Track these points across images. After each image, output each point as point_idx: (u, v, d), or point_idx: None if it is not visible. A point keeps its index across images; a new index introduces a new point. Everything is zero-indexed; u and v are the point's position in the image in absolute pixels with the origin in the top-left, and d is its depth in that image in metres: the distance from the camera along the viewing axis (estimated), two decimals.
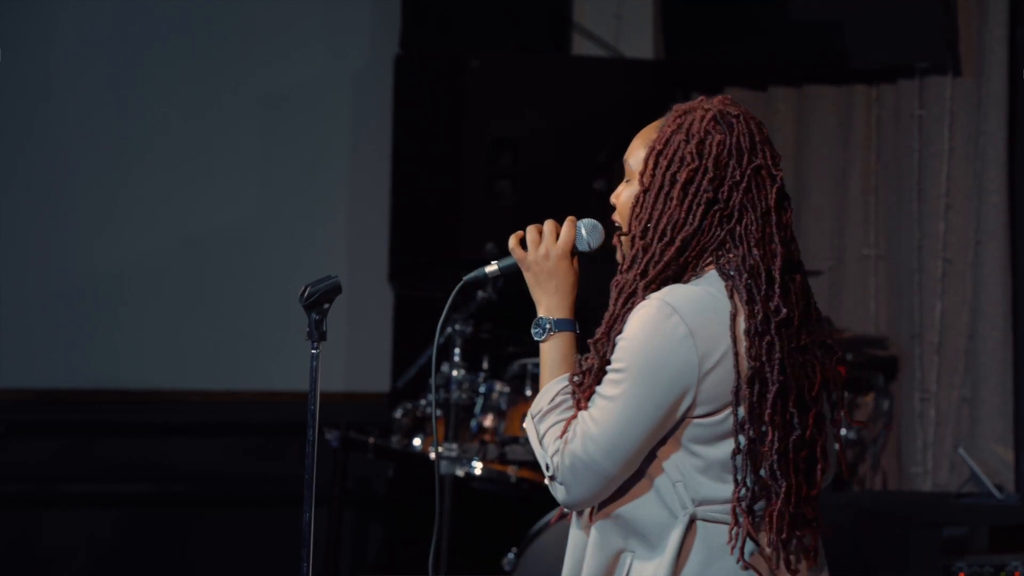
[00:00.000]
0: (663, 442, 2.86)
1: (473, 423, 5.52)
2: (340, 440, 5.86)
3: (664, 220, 2.88)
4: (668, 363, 2.82)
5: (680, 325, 2.82)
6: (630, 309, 2.87)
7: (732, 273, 2.86)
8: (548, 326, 2.98)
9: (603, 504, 2.91)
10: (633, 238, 2.92)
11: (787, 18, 6.22)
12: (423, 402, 5.60)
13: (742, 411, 2.84)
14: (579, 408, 2.88)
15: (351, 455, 5.92)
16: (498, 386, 5.53)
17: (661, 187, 2.90)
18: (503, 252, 3.06)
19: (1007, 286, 5.83)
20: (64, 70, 6.52)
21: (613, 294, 2.92)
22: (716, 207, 2.88)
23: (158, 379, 6.62)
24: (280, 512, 6.38)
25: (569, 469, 2.85)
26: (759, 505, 2.87)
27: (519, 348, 5.67)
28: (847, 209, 6.32)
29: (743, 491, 2.85)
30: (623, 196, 2.98)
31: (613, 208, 3.00)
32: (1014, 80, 5.79)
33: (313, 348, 3.13)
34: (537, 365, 4.85)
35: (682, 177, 2.89)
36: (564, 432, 2.87)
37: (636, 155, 2.97)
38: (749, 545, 2.86)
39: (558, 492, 2.88)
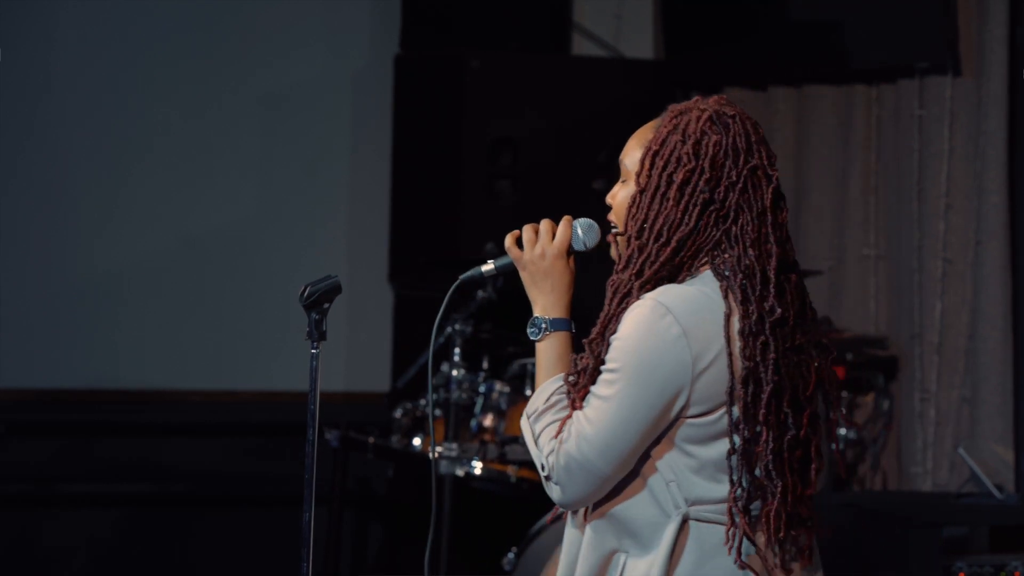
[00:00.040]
0: (657, 442, 2.86)
1: (473, 423, 5.52)
2: (340, 440, 5.86)
3: (660, 220, 2.89)
4: (662, 363, 2.82)
5: (674, 325, 2.82)
6: (625, 309, 2.88)
7: (727, 273, 2.86)
8: (544, 325, 2.98)
9: (598, 504, 2.91)
10: (629, 238, 2.92)
11: (787, 18, 6.22)
12: (423, 402, 5.60)
13: (736, 411, 2.84)
14: (574, 408, 2.89)
15: (351, 455, 5.92)
16: (498, 386, 5.53)
17: (658, 187, 2.90)
18: (503, 252, 3.06)
19: (1007, 286, 5.83)
20: (64, 70, 6.52)
21: (608, 294, 2.92)
22: (712, 207, 2.88)
23: (158, 379, 6.62)
24: (280, 512, 6.38)
25: (564, 469, 2.85)
26: (755, 505, 2.87)
27: (519, 348, 5.67)
28: (847, 209, 6.32)
29: (739, 491, 2.85)
30: (619, 196, 2.98)
31: (609, 208, 3.00)
32: (1014, 80, 5.79)
33: (313, 348, 3.13)
34: None
35: (679, 178, 2.89)
36: (559, 432, 2.87)
37: (632, 155, 2.97)
38: (746, 545, 2.86)
39: (553, 492, 2.89)
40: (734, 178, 2.88)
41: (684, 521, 2.86)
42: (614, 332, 2.86)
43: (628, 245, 2.92)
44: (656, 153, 2.92)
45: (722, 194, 2.88)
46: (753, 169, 2.90)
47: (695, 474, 2.86)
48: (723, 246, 2.88)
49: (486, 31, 6.57)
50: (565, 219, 3.02)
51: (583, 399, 2.87)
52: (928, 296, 5.96)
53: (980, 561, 5.05)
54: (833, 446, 2.99)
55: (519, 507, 5.54)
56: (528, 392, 5.49)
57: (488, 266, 3.08)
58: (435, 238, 6.48)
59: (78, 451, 6.55)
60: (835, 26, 6.08)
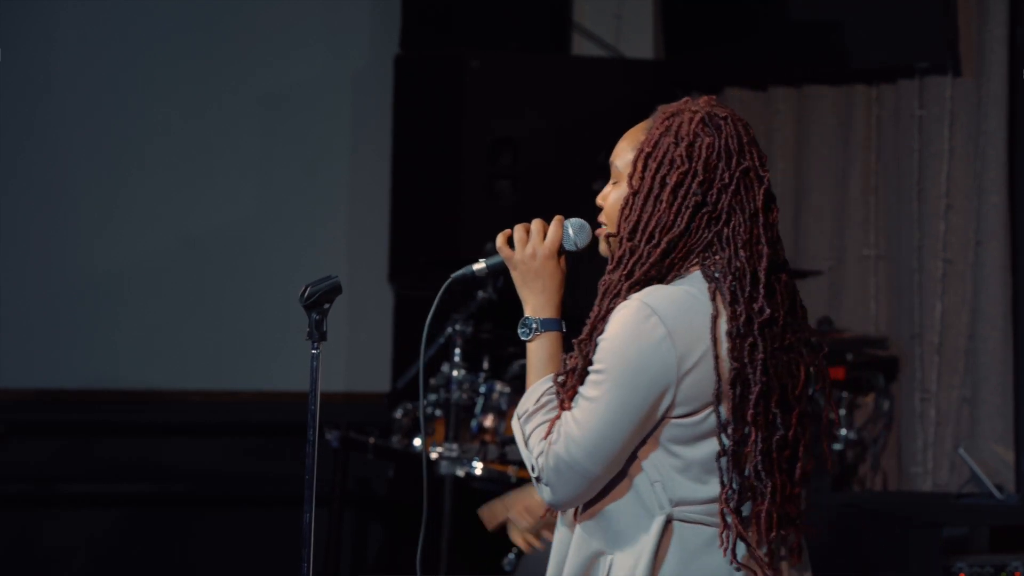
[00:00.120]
0: (643, 442, 2.87)
1: (473, 423, 5.52)
2: (340, 440, 5.86)
3: (653, 222, 2.89)
4: (647, 364, 2.83)
5: (659, 326, 2.83)
6: (613, 309, 2.88)
7: (717, 275, 2.87)
8: (534, 326, 2.98)
9: (586, 504, 2.92)
10: (621, 239, 2.92)
11: (787, 18, 6.22)
12: (423, 402, 5.60)
13: (724, 412, 2.85)
14: (563, 408, 2.89)
15: (351, 455, 5.92)
16: (498, 386, 5.53)
17: (650, 190, 2.90)
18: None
19: (1007, 286, 5.83)
20: (64, 70, 6.52)
21: (598, 294, 2.93)
22: (704, 210, 2.89)
23: (158, 379, 6.62)
24: (280, 512, 6.38)
25: (553, 470, 2.86)
26: (745, 506, 2.88)
27: (520, 348, 5.67)
28: (847, 209, 6.32)
29: (730, 492, 2.86)
30: (611, 198, 2.99)
31: (600, 209, 3.00)
32: (1014, 80, 5.79)
33: (313, 348, 3.13)
34: None
35: (672, 180, 2.89)
36: (549, 433, 2.88)
37: (623, 157, 2.97)
38: (738, 546, 2.87)
39: (543, 493, 2.89)
40: (727, 180, 2.89)
41: (668, 522, 2.87)
42: (602, 333, 2.87)
43: (620, 246, 2.92)
44: (649, 155, 2.92)
45: (714, 196, 2.89)
46: (745, 171, 2.90)
47: (680, 474, 2.87)
48: (714, 248, 2.89)
49: (486, 31, 6.57)
50: (556, 219, 3.02)
51: (572, 400, 2.88)
52: (928, 296, 5.96)
53: (980, 561, 5.05)
54: (831, 443, 3.00)
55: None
56: None
57: (480, 265, 3.08)
58: (435, 238, 6.48)
59: (78, 451, 6.55)
60: (835, 26, 6.08)
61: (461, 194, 6.33)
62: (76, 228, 6.53)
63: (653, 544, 2.86)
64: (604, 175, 3.04)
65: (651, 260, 2.88)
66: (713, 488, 2.87)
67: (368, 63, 6.80)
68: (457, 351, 5.53)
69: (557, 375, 2.93)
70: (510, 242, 3.02)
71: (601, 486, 2.88)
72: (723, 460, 2.85)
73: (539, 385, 2.94)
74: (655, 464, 2.87)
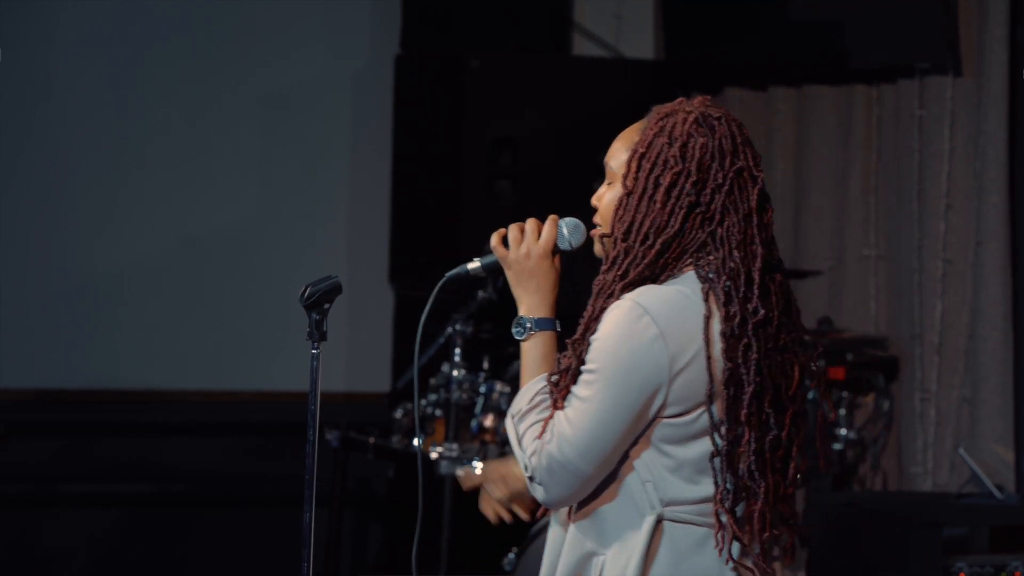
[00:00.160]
0: (635, 442, 2.87)
1: (473, 423, 5.52)
2: (340, 440, 5.86)
3: (647, 223, 2.90)
4: (639, 364, 2.83)
5: (651, 326, 2.83)
6: (607, 309, 2.89)
7: (711, 276, 2.87)
8: (529, 325, 2.99)
9: (580, 504, 2.93)
10: (615, 240, 2.93)
11: (787, 18, 6.22)
12: (424, 402, 5.60)
13: (717, 412, 2.85)
14: (556, 408, 2.90)
15: (351, 455, 5.92)
16: (499, 386, 5.53)
17: (644, 190, 2.91)
18: None
19: (1007, 286, 5.83)
20: (64, 70, 6.52)
21: (592, 294, 2.93)
22: (698, 210, 2.89)
23: (158, 379, 6.62)
24: (280, 512, 6.38)
25: (546, 470, 2.86)
26: (739, 506, 2.88)
27: (520, 348, 5.67)
28: (847, 209, 6.32)
29: (724, 492, 2.87)
30: (605, 198, 3.00)
31: (594, 210, 3.01)
32: (1014, 80, 5.79)
33: (313, 348, 3.13)
34: None
35: (665, 180, 2.90)
36: (542, 433, 2.89)
37: (617, 157, 2.98)
38: (733, 545, 2.87)
39: (537, 492, 2.90)
40: (720, 180, 2.89)
41: (658, 521, 2.87)
42: (595, 332, 2.88)
43: (614, 247, 2.93)
44: (643, 156, 2.93)
45: (708, 196, 2.89)
46: (739, 171, 2.91)
47: (672, 474, 2.87)
48: (708, 248, 2.89)
49: (486, 31, 6.57)
50: (551, 218, 3.03)
51: (565, 399, 2.89)
52: (928, 296, 5.96)
53: (980, 561, 5.05)
54: (826, 443, 3.01)
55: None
56: None
57: (474, 264, 3.09)
58: (435, 238, 6.47)
59: (78, 451, 6.55)
60: (835, 26, 6.08)
61: (461, 194, 6.33)
62: (76, 228, 6.53)
63: (644, 544, 2.86)
64: (604, 175, 3.05)
65: (645, 260, 2.89)
66: (704, 488, 2.88)
67: (368, 63, 6.80)
68: (457, 351, 5.53)
69: (551, 375, 2.94)
70: (505, 242, 3.03)
71: (594, 485, 2.89)
72: (717, 460, 2.86)
73: (533, 384, 2.95)
74: (647, 464, 2.88)
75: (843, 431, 5.90)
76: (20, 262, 6.48)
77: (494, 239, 3.04)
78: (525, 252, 3.01)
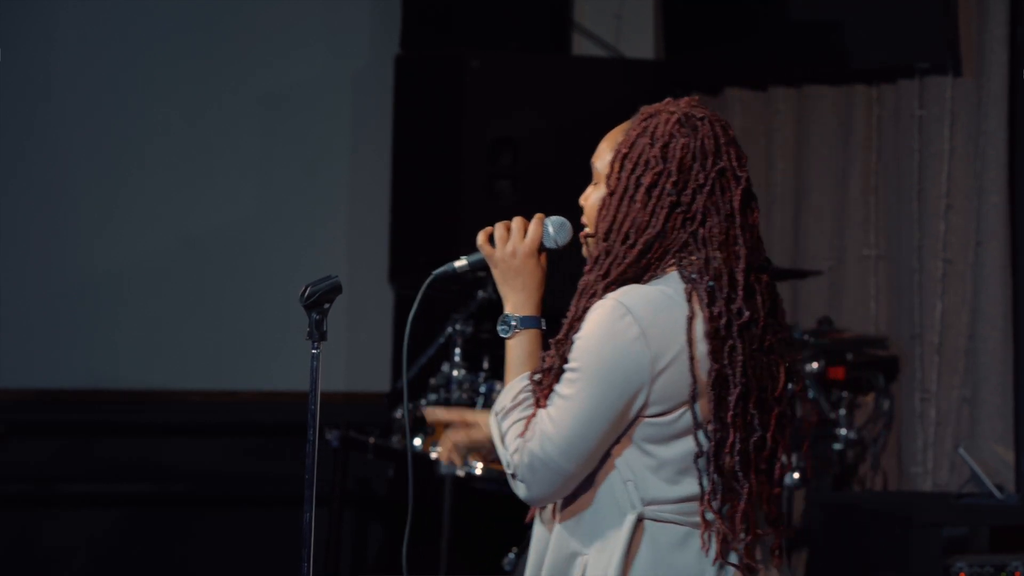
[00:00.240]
0: (617, 441, 2.89)
1: None
2: (340, 440, 5.86)
3: (628, 223, 2.91)
4: (621, 363, 2.84)
5: (633, 326, 2.84)
6: (590, 309, 2.90)
7: (694, 276, 2.88)
8: (514, 323, 3.01)
9: (564, 504, 2.94)
10: (598, 240, 2.94)
11: (787, 18, 6.22)
12: (424, 402, 5.60)
13: (699, 412, 2.86)
14: (539, 406, 2.91)
15: (351, 455, 5.92)
16: (498, 386, 5.52)
17: (626, 190, 2.93)
18: None
19: (1007, 286, 5.83)
20: (64, 70, 6.51)
21: (576, 294, 2.95)
22: (679, 210, 2.90)
23: (158, 379, 6.62)
24: (280, 512, 6.38)
25: (528, 467, 2.88)
26: (724, 507, 2.89)
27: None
28: (847, 209, 6.32)
29: (708, 492, 2.87)
30: (591, 199, 3.02)
31: (581, 210, 3.02)
32: (1014, 80, 5.78)
33: (313, 348, 3.13)
34: None
35: (646, 180, 2.91)
36: (525, 431, 2.90)
37: (603, 158, 3.01)
38: (716, 545, 2.89)
39: (519, 489, 2.92)
40: (701, 180, 2.90)
41: (639, 520, 2.88)
42: (578, 332, 2.89)
43: (596, 246, 2.94)
44: (625, 156, 2.95)
45: (689, 196, 2.90)
46: (721, 171, 2.91)
47: (653, 474, 2.89)
48: (690, 248, 2.91)
49: (486, 31, 6.56)
50: (537, 217, 3.06)
51: (547, 398, 2.90)
52: (928, 296, 5.96)
53: (980, 561, 5.05)
54: (810, 442, 3.01)
55: (519, 507, 5.54)
56: None
57: (461, 262, 3.12)
58: (435, 238, 6.47)
59: (78, 451, 6.55)
60: (835, 26, 6.07)
61: (461, 194, 6.33)
62: (76, 228, 6.53)
63: (624, 542, 2.88)
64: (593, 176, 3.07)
65: (627, 260, 2.90)
66: (685, 488, 2.89)
67: (368, 63, 6.80)
68: (457, 351, 5.53)
69: (534, 373, 2.95)
70: (492, 240, 3.04)
71: (575, 484, 2.90)
72: (701, 460, 2.87)
73: (516, 382, 2.97)
74: (628, 463, 2.89)
75: (843, 431, 5.90)
76: (20, 262, 6.48)
77: (481, 237, 3.07)
78: (511, 250, 3.03)
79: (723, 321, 2.86)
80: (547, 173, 6.29)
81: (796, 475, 5.58)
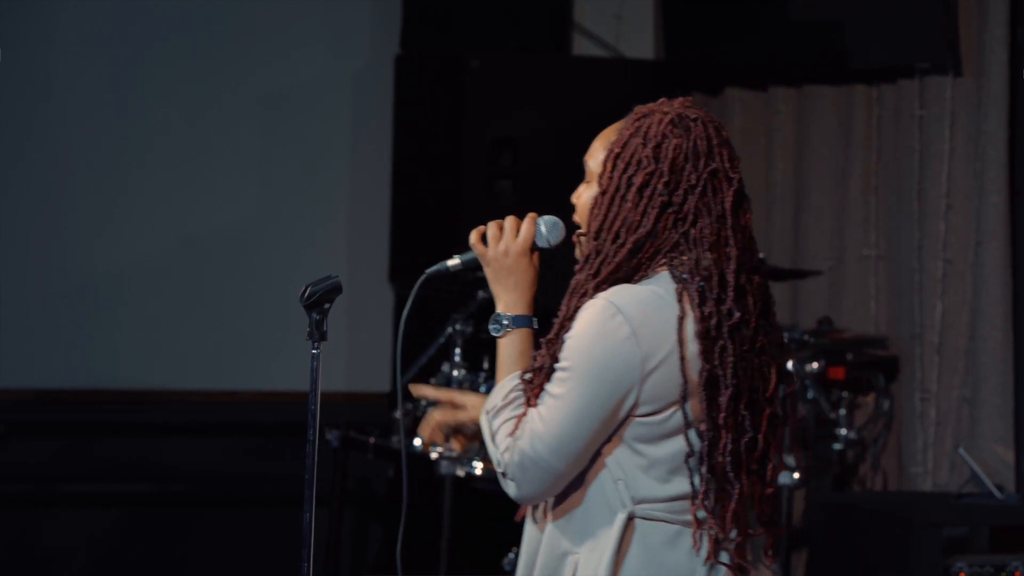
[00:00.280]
0: (607, 440, 2.90)
1: None
2: (340, 440, 5.86)
3: (619, 222, 2.92)
4: (611, 363, 2.85)
5: (624, 325, 2.85)
6: (581, 308, 2.91)
7: (685, 276, 2.89)
8: (505, 322, 3.02)
9: (555, 503, 2.95)
10: (589, 238, 2.95)
11: (787, 18, 6.22)
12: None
13: (690, 412, 2.87)
14: (529, 405, 2.92)
15: (351, 455, 5.92)
16: None
17: (617, 189, 2.93)
18: None
19: (1007, 286, 5.82)
20: (64, 70, 6.51)
21: (567, 294, 2.96)
22: (670, 210, 2.91)
23: (158, 379, 6.62)
24: (280, 512, 6.38)
25: (518, 466, 2.89)
26: (715, 506, 2.90)
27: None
28: (847, 209, 6.32)
29: (699, 492, 2.88)
30: (583, 197, 3.03)
31: (574, 208, 3.03)
32: (1014, 80, 5.78)
33: (313, 348, 3.13)
34: None
35: (638, 180, 2.92)
36: (516, 429, 2.91)
37: (596, 157, 3.01)
38: (707, 544, 2.89)
39: (509, 488, 2.93)
40: (693, 181, 2.91)
41: (630, 519, 2.89)
42: (569, 331, 2.89)
43: (588, 246, 2.95)
44: (617, 155, 2.95)
45: (681, 197, 2.91)
46: (713, 172, 2.92)
47: (644, 473, 2.89)
48: (681, 248, 2.91)
49: (486, 31, 6.56)
50: (529, 216, 3.06)
51: (538, 397, 2.91)
52: (928, 296, 5.96)
53: (980, 561, 5.05)
54: (799, 441, 3.02)
55: (519, 507, 5.54)
56: None
57: (454, 261, 3.13)
58: (435, 238, 6.47)
59: (78, 451, 6.55)
60: (835, 26, 6.07)
61: (461, 194, 6.33)
62: (76, 228, 6.53)
63: (615, 541, 2.88)
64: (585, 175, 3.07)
65: (617, 260, 2.91)
66: (676, 487, 2.89)
67: (368, 63, 6.80)
68: (457, 351, 5.53)
69: (525, 372, 2.95)
70: (484, 239, 3.05)
71: (565, 483, 2.91)
72: (692, 460, 2.88)
73: (507, 381, 2.98)
74: (619, 462, 2.90)
75: (843, 431, 5.90)
76: (20, 262, 6.48)
77: (473, 236, 3.08)
78: (503, 249, 3.04)
79: (713, 322, 2.87)
80: (547, 173, 6.29)
81: (796, 475, 5.59)
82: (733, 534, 2.89)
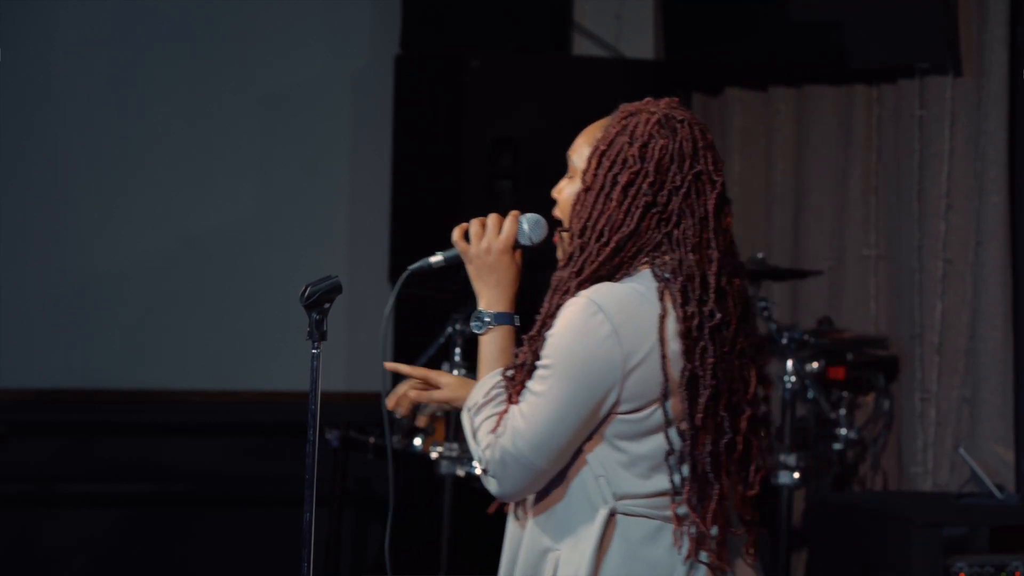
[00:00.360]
0: (589, 437, 2.91)
1: None
2: (340, 440, 5.86)
3: (603, 220, 2.93)
4: (592, 361, 2.86)
5: (605, 323, 2.86)
6: (562, 305, 2.92)
7: (667, 276, 2.90)
8: (487, 319, 3.03)
9: (536, 500, 2.96)
10: (572, 236, 2.95)
11: (787, 18, 6.22)
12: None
13: (671, 411, 2.88)
14: (511, 402, 2.93)
15: (351, 455, 5.92)
16: None
17: (602, 188, 2.95)
18: None
19: (1007, 286, 5.82)
20: (64, 70, 6.51)
21: (549, 291, 2.97)
22: (654, 210, 2.92)
23: (158, 379, 6.62)
24: (280, 512, 6.38)
25: (499, 463, 2.90)
26: (695, 503, 2.90)
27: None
28: (847, 209, 6.32)
29: (679, 490, 2.89)
30: (565, 192, 3.05)
31: (554, 202, 3.05)
32: (1014, 80, 5.78)
33: (313, 348, 3.13)
34: None
35: (623, 179, 2.93)
36: (497, 427, 2.92)
37: (580, 152, 3.04)
38: (687, 543, 2.90)
39: (490, 485, 2.94)
40: (678, 182, 2.92)
41: (611, 515, 2.90)
42: (551, 328, 2.90)
43: (570, 243, 2.96)
44: (603, 153, 2.97)
45: (665, 198, 2.92)
46: (698, 175, 2.93)
47: (625, 469, 2.91)
48: (663, 248, 2.92)
49: (486, 31, 6.56)
50: (512, 214, 3.09)
51: (520, 394, 2.91)
52: (928, 296, 5.96)
53: (980, 561, 5.05)
54: (771, 444, 3.02)
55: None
56: None
57: (437, 258, 3.15)
58: (435, 238, 6.44)
59: (78, 451, 6.54)
60: (835, 26, 6.07)
61: (461, 194, 6.33)
62: (76, 228, 6.53)
63: (597, 537, 2.90)
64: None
65: (600, 258, 2.92)
66: (657, 483, 2.91)
67: (368, 63, 6.80)
68: (457, 351, 5.53)
69: (506, 369, 2.96)
70: (467, 236, 3.06)
71: (547, 480, 2.92)
72: (671, 459, 2.89)
73: (489, 378, 2.99)
74: (600, 459, 2.91)
75: (843, 431, 5.90)
76: (20, 262, 6.48)
77: (456, 233, 3.11)
78: (486, 247, 3.06)
79: (695, 322, 2.88)
80: (547, 173, 6.27)
81: (796, 475, 5.59)
82: (714, 531, 2.90)
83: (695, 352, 2.87)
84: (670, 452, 2.88)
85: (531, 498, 2.97)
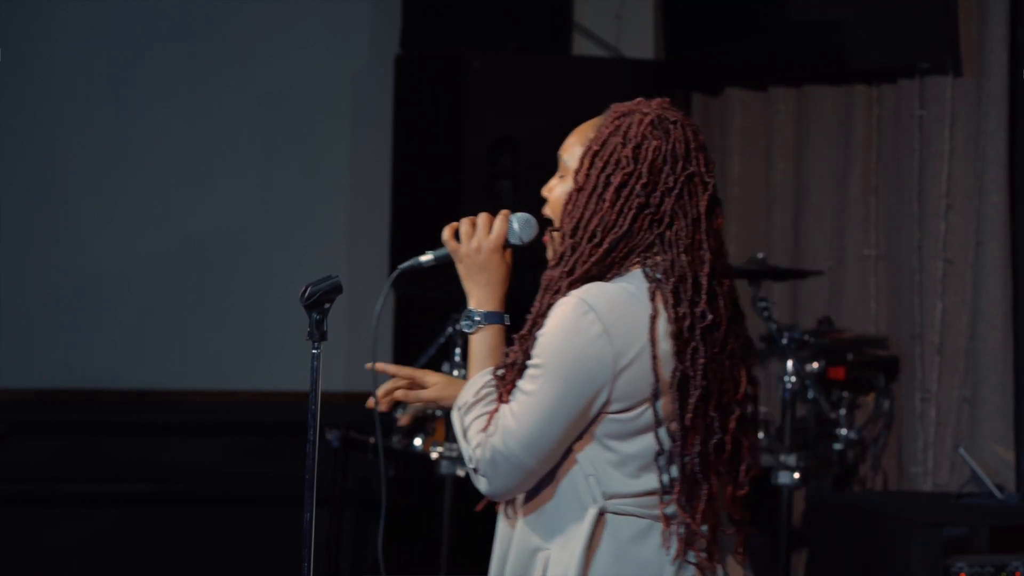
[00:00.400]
0: (579, 436, 2.91)
1: None
2: (340, 440, 5.86)
3: (595, 221, 2.93)
4: (583, 360, 2.86)
5: (596, 323, 2.86)
6: (553, 305, 2.92)
7: (659, 276, 2.90)
8: (477, 319, 3.05)
9: (526, 499, 2.97)
10: (563, 235, 2.95)
11: (787, 18, 6.22)
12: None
13: (661, 411, 2.88)
14: (501, 401, 2.94)
15: (351, 455, 5.92)
16: None
17: (595, 188, 2.95)
18: None
19: (1007, 286, 5.82)
20: (64, 70, 6.52)
21: (540, 290, 2.97)
22: (647, 211, 2.92)
23: (158, 379, 6.62)
24: (280, 512, 6.38)
25: (489, 462, 2.91)
26: (684, 503, 2.91)
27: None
28: (847, 209, 6.32)
29: (668, 490, 2.89)
30: (556, 192, 3.06)
31: (544, 201, 3.05)
32: (1014, 80, 5.78)
33: (314, 348, 3.13)
34: None
35: (616, 180, 2.93)
36: (487, 426, 2.92)
37: (572, 152, 3.04)
38: (675, 543, 2.90)
39: (480, 484, 2.95)
40: (671, 184, 2.92)
41: (601, 514, 2.90)
42: (542, 328, 2.91)
43: (562, 243, 2.96)
44: (596, 153, 2.97)
45: (658, 199, 2.92)
46: (690, 176, 2.94)
47: (615, 468, 2.91)
48: (655, 249, 2.93)
49: (486, 31, 6.56)
50: (502, 213, 3.09)
51: (510, 393, 2.92)
52: (928, 296, 5.96)
53: (980, 561, 5.05)
54: (756, 443, 3.02)
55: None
56: None
57: (427, 257, 3.16)
58: (435, 238, 6.46)
59: (78, 451, 6.54)
60: (835, 26, 6.07)
61: (461, 194, 6.33)
62: (76, 228, 6.53)
63: (586, 535, 2.90)
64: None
65: (592, 258, 2.93)
66: (647, 482, 2.91)
67: (368, 63, 6.80)
68: (457, 351, 5.53)
69: (497, 368, 2.97)
70: (458, 235, 3.07)
71: (537, 479, 2.93)
72: (661, 459, 2.89)
73: (479, 377, 3.00)
74: (590, 458, 2.92)
75: (843, 431, 5.90)
76: (20, 262, 6.48)
77: (446, 232, 3.12)
78: (476, 246, 3.07)
79: (687, 323, 2.88)
80: (547, 173, 6.27)
81: (796, 475, 5.59)
82: (703, 530, 2.90)
83: (686, 353, 2.88)
84: (660, 452, 2.89)
85: (521, 497, 2.97)
